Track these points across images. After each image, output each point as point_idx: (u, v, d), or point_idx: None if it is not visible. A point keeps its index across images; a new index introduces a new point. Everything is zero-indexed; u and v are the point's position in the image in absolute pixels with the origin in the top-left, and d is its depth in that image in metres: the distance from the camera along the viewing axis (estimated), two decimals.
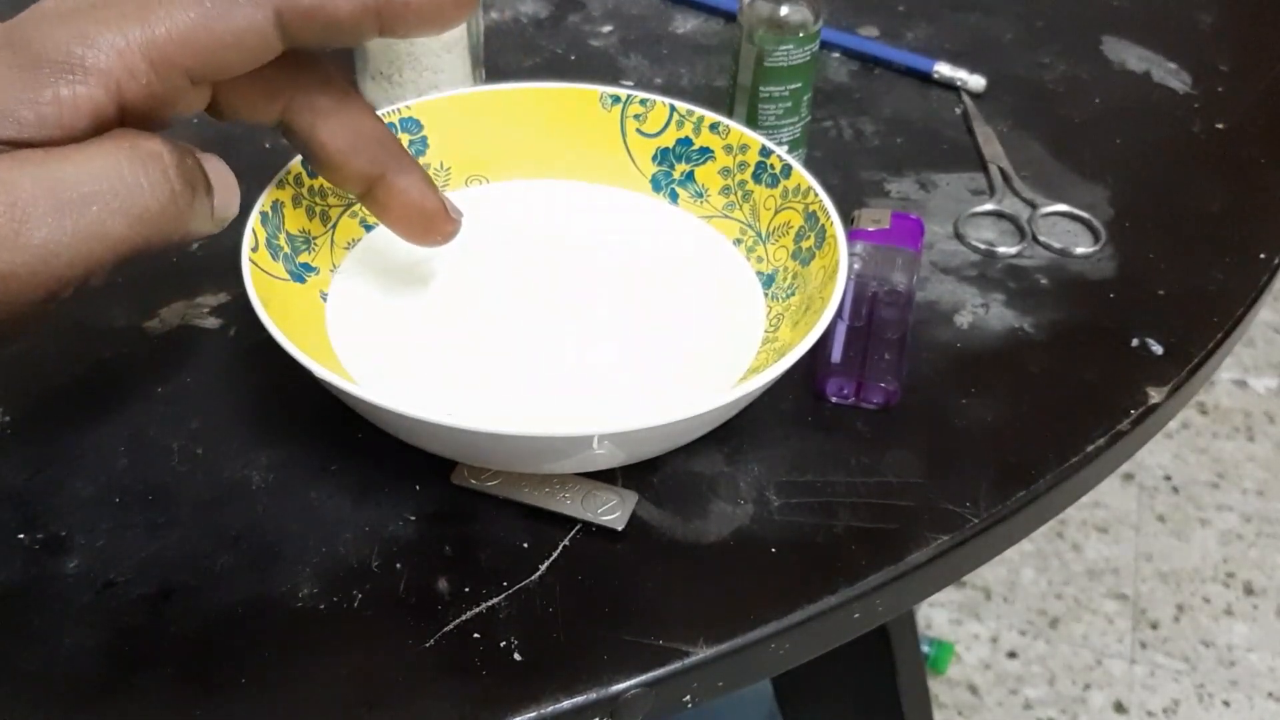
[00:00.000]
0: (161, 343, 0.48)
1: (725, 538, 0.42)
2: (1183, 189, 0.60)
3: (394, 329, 0.46)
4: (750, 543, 0.42)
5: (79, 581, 0.40)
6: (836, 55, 0.68)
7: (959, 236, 0.56)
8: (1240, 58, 0.69)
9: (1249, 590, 1.41)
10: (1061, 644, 1.35)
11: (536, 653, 0.38)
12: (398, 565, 0.41)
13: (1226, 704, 1.30)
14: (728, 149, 0.51)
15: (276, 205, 0.45)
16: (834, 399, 0.47)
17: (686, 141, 0.52)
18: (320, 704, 0.37)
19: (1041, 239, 0.56)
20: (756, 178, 0.51)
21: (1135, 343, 0.51)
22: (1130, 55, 0.69)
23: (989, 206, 0.58)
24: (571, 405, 0.45)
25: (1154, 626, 1.37)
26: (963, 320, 0.52)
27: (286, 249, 0.45)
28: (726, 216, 0.52)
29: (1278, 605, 1.39)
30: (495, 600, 0.40)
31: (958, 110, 0.64)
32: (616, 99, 0.52)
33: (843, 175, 0.59)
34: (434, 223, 0.43)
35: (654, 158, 0.53)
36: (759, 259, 0.51)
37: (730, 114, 0.55)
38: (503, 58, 0.66)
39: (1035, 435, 0.46)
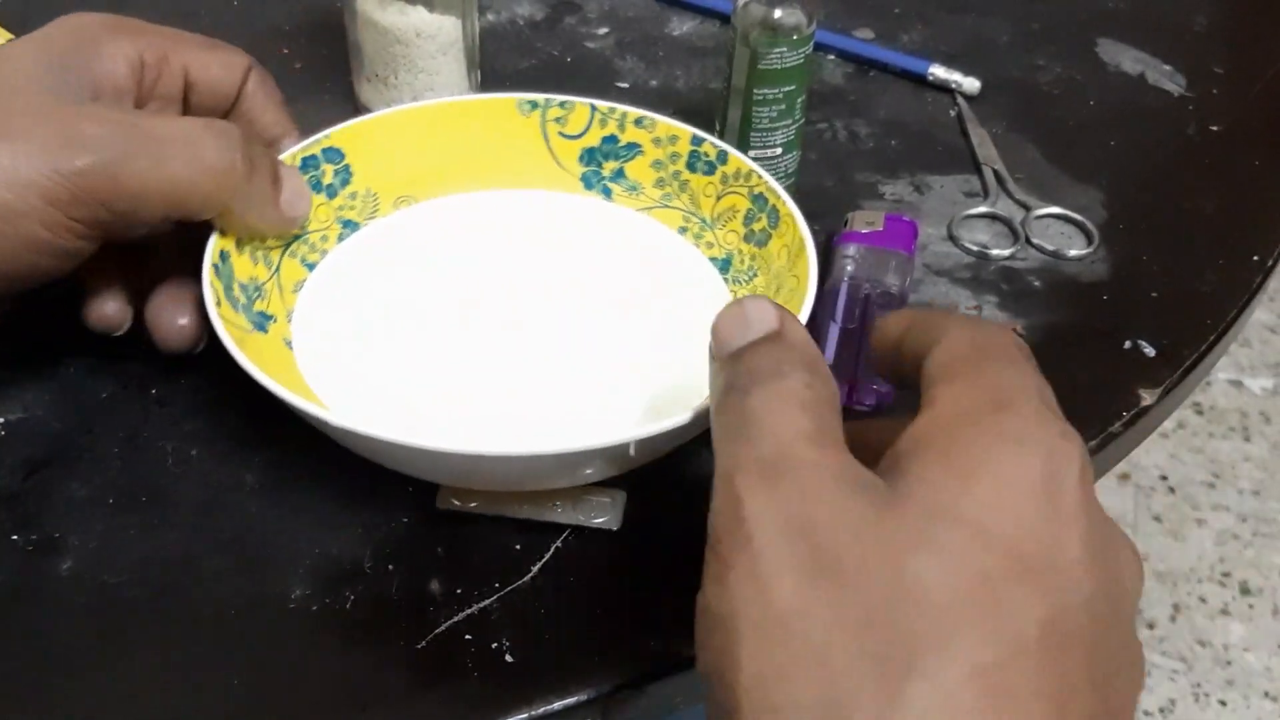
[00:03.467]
0: (156, 346, 0.48)
1: None
2: (1177, 191, 0.60)
3: (366, 366, 0.45)
4: None
5: (73, 583, 0.40)
6: (831, 57, 0.68)
7: (953, 238, 0.56)
8: (1235, 60, 0.69)
9: (1245, 590, 1.41)
10: None
11: (528, 654, 0.38)
12: (390, 566, 0.41)
13: (1223, 703, 1.30)
14: (656, 141, 0.52)
15: (224, 255, 0.44)
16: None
17: (612, 139, 0.52)
18: (312, 705, 0.37)
19: (1035, 241, 0.56)
20: (692, 167, 0.51)
21: (1128, 344, 0.51)
22: (1125, 57, 0.69)
23: (983, 209, 0.58)
24: (554, 419, 0.44)
25: (1150, 626, 1.37)
26: None
27: (242, 299, 0.44)
28: (666, 206, 0.52)
29: (1274, 605, 1.39)
30: (487, 601, 0.40)
31: (952, 112, 0.65)
32: (534, 104, 0.52)
33: (837, 177, 0.59)
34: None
35: (580, 158, 0.53)
36: (709, 244, 0.51)
37: (725, 116, 0.55)
38: (498, 60, 0.66)
39: None
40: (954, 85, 0.66)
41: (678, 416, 0.38)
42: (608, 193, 0.53)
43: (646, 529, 0.42)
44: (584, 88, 0.64)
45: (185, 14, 0.68)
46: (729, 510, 0.29)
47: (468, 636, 0.39)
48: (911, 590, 0.26)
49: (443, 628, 0.39)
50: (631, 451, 0.39)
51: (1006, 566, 0.27)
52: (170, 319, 0.44)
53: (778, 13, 0.53)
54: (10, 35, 0.62)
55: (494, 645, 0.39)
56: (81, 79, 0.43)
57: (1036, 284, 0.54)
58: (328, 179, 0.49)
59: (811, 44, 0.54)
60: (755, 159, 0.55)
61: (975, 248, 0.56)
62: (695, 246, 0.51)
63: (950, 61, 0.66)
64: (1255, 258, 0.56)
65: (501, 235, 0.51)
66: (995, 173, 0.60)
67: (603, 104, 0.52)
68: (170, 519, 0.42)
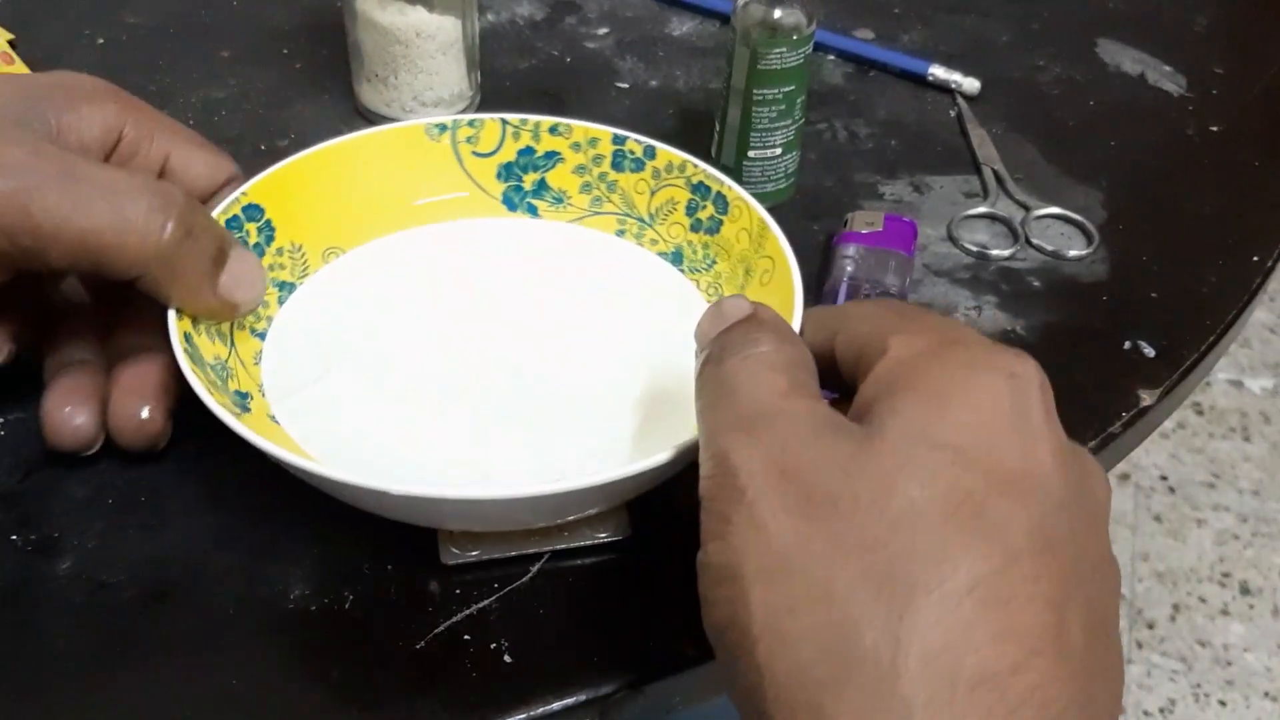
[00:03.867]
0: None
1: None
2: (1176, 191, 0.60)
3: (355, 427, 0.43)
4: None
5: (72, 583, 0.40)
6: (831, 57, 0.68)
7: (952, 239, 0.56)
8: (1235, 60, 0.69)
9: (1245, 590, 1.41)
10: None
11: (527, 655, 0.38)
12: (389, 567, 0.41)
13: (1223, 703, 1.30)
14: (576, 146, 0.51)
15: (189, 337, 0.41)
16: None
17: (528, 150, 0.51)
18: (310, 705, 0.37)
19: (1034, 241, 0.56)
20: (618, 166, 0.51)
21: (1127, 345, 0.51)
22: (1125, 58, 0.69)
23: (982, 209, 0.58)
24: (552, 452, 0.43)
25: (1150, 626, 1.37)
26: None
27: (217, 381, 0.42)
28: (597, 213, 0.52)
29: (1273, 605, 1.39)
30: (486, 602, 0.40)
31: (952, 113, 0.65)
32: (443, 127, 0.51)
33: (837, 178, 0.59)
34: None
35: (498, 175, 0.52)
36: (652, 241, 0.51)
37: (724, 116, 0.55)
38: (498, 60, 0.66)
39: None
40: (954, 85, 0.66)
41: (685, 438, 0.37)
42: (533, 210, 0.52)
43: (645, 530, 0.42)
44: (584, 88, 0.65)
45: (185, 14, 0.68)
46: (718, 469, 0.31)
47: (466, 637, 0.39)
48: (903, 514, 0.28)
49: (442, 628, 0.39)
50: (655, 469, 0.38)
51: (987, 482, 0.29)
52: (132, 412, 0.42)
53: (777, 13, 0.53)
54: (10, 35, 0.62)
55: (493, 646, 0.39)
56: (42, 122, 0.41)
57: (1036, 284, 0.54)
58: (253, 239, 0.46)
59: (811, 44, 0.54)
60: (755, 159, 0.55)
61: (975, 248, 0.56)
62: (639, 245, 0.51)
63: (950, 62, 0.66)
64: (1255, 258, 0.56)
65: (440, 273, 0.50)
66: (995, 173, 0.60)
67: (514, 117, 0.51)
68: (169, 519, 0.42)
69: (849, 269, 0.52)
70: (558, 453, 0.43)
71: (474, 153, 0.51)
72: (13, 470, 0.43)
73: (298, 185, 0.48)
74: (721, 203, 0.48)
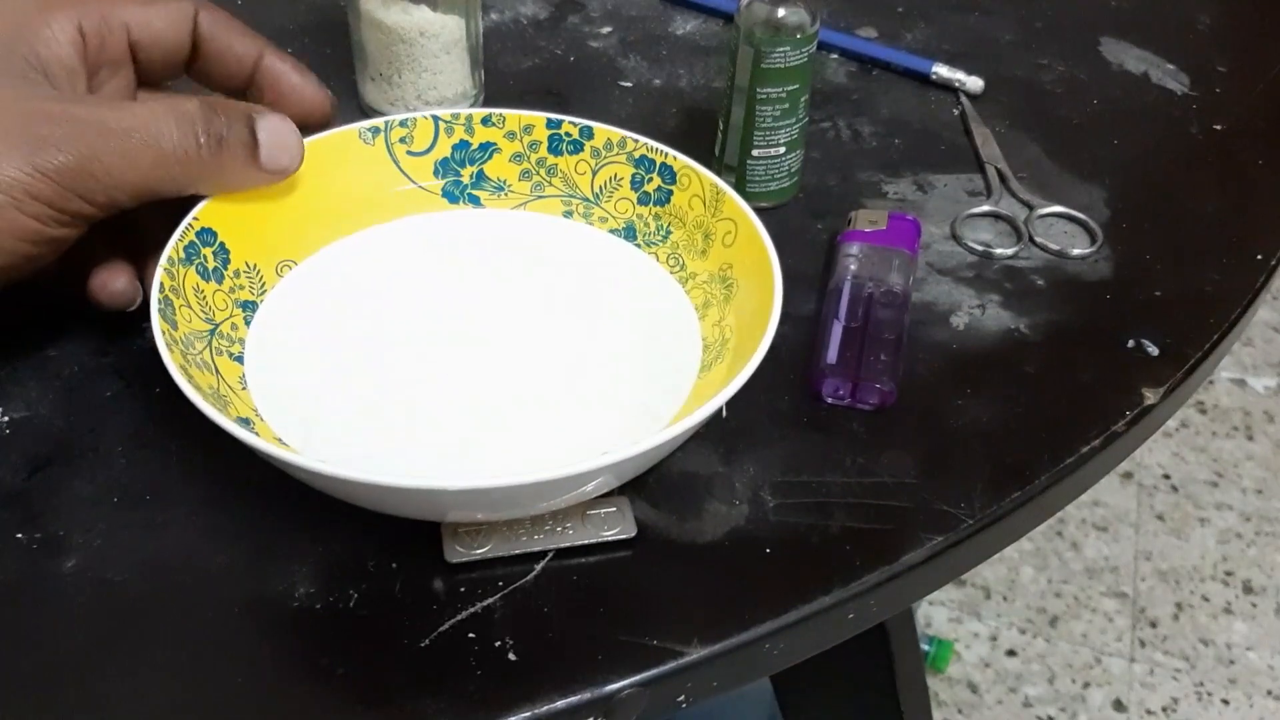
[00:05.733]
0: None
1: (720, 538, 0.42)
2: (1180, 190, 0.60)
3: (363, 434, 0.44)
4: (745, 543, 0.42)
5: (77, 580, 0.40)
6: (835, 56, 0.68)
7: (956, 238, 0.56)
8: (1238, 59, 0.69)
9: (1248, 589, 1.41)
10: (1061, 642, 1.35)
11: (531, 652, 0.38)
12: (393, 565, 0.41)
13: (1225, 702, 1.30)
14: (510, 135, 0.52)
15: (184, 369, 0.41)
16: (829, 400, 0.47)
17: (463, 144, 0.52)
18: (315, 703, 0.37)
19: (1038, 240, 0.56)
20: (555, 150, 0.51)
21: (1131, 344, 0.51)
22: (1128, 56, 0.69)
23: (986, 208, 0.58)
24: (545, 437, 0.44)
25: (1153, 625, 1.37)
26: (959, 321, 0.52)
27: (220, 408, 0.41)
28: (540, 197, 0.52)
29: (1277, 604, 1.39)
30: (490, 600, 0.40)
31: (956, 111, 0.65)
32: (376, 130, 0.51)
33: (840, 176, 0.59)
34: (308, 95, 0.50)
35: (435, 172, 0.52)
36: (601, 219, 0.51)
37: (728, 115, 0.55)
38: (502, 59, 0.66)
39: (1030, 436, 0.47)
40: (957, 84, 0.66)
41: (688, 419, 0.38)
42: (475, 200, 0.52)
43: (648, 528, 0.42)
44: (587, 87, 0.65)
45: None
46: None
47: (471, 635, 0.39)
48: None
49: (446, 626, 0.39)
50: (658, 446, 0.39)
51: None
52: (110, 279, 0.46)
53: (781, 12, 0.53)
54: None
55: (497, 644, 0.39)
56: (28, 64, 0.44)
57: (1040, 283, 0.54)
58: (211, 263, 0.46)
59: (815, 43, 0.54)
60: (759, 158, 0.55)
61: (978, 247, 0.56)
62: (588, 224, 0.51)
63: (953, 60, 0.66)
64: (1259, 257, 0.56)
65: (396, 272, 0.50)
66: (998, 171, 0.60)
67: (445, 112, 0.51)
68: (174, 517, 0.42)
69: (852, 267, 0.52)
70: (551, 436, 0.44)
71: (409, 152, 0.51)
72: (18, 469, 0.43)
73: (244, 202, 0.47)
74: (668, 173, 0.49)
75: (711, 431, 0.46)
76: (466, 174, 0.52)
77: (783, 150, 0.56)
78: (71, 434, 0.45)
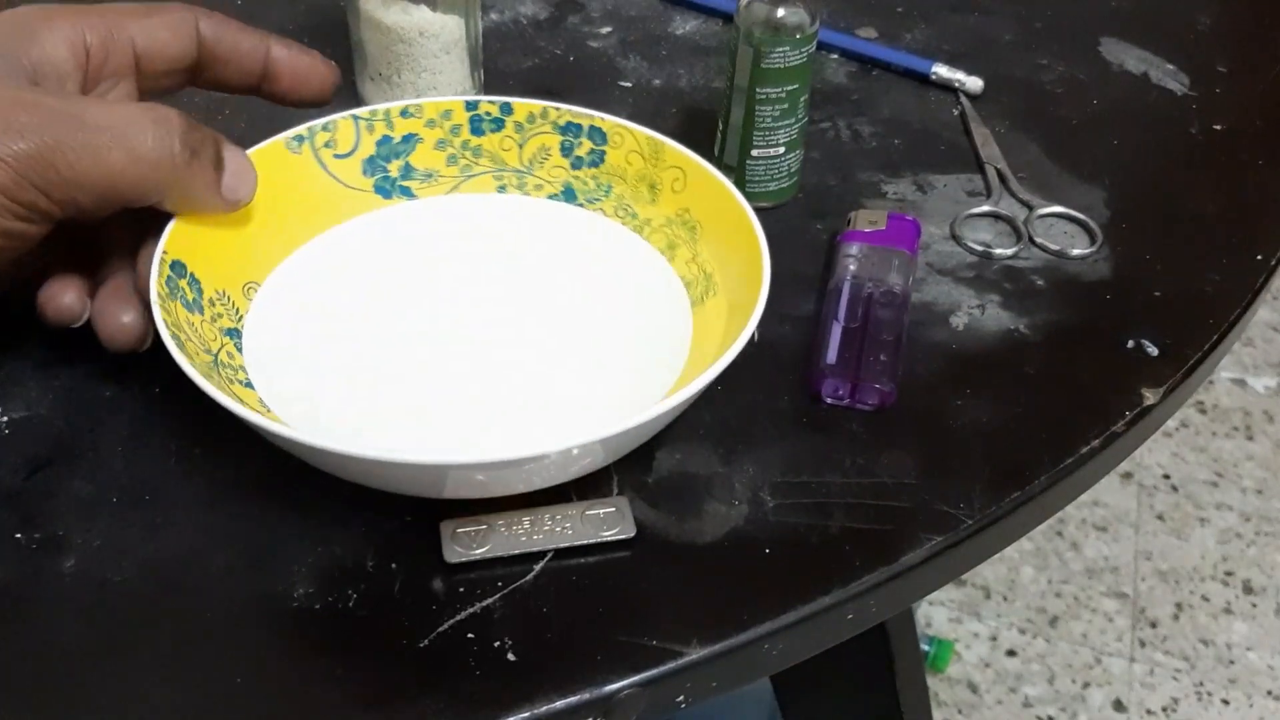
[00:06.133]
0: (160, 344, 0.48)
1: (720, 538, 0.42)
2: (1180, 190, 0.60)
3: (377, 420, 0.45)
4: (745, 543, 0.42)
5: (77, 581, 0.40)
6: (835, 56, 0.68)
7: (955, 238, 0.56)
8: (1239, 59, 0.69)
9: (1248, 589, 1.41)
10: (1061, 642, 1.35)
11: (530, 653, 0.38)
12: (393, 565, 0.41)
13: (1225, 702, 1.30)
14: (431, 124, 0.52)
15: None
16: (829, 400, 0.47)
17: (386, 140, 0.52)
18: (315, 703, 0.37)
19: (1038, 240, 0.56)
20: (478, 130, 0.52)
21: (1131, 344, 0.51)
22: (1128, 56, 0.69)
23: (986, 208, 0.58)
24: (533, 414, 0.45)
25: (1153, 625, 1.37)
26: (958, 321, 0.52)
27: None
28: (470, 177, 0.53)
29: (1277, 604, 1.39)
30: (490, 600, 0.40)
31: (955, 111, 0.65)
32: (301, 138, 0.50)
33: (840, 176, 0.59)
34: (320, 71, 0.51)
35: (363, 172, 0.52)
36: (537, 187, 0.52)
37: (727, 115, 0.55)
38: (502, 59, 0.66)
39: (1030, 436, 0.47)
40: (957, 84, 0.65)
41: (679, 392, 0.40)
42: (407, 192, 0.52)
43: (648, 529, 0.42)
44: (586, 87, 0.65)
45: None
46: None
47: (470, 635, 0.39)
48: None
49: (445, 626, 0.39)
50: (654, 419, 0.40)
51: None
52: (115, 315, 0.44)
53: (780, 12, 0.53)
54: None
55: (496, 644, 0.39)
56: (18, 66, 0.43)
57: (1039, 283, 0.54)
58: (190, 295, 0.45)
59: (814, 43, 0.54)
60: (758, 158, 0.55)
61: (978, 247, 0.56)
62: (525, 195, 0.52)
63: (953, 61, 0.66)
64: (1259, 257, 0.56)
65: (360, 275, 0.50)
66: (998, 172, 0.60)
67: (363, 110, 0.51)
68: (173, 517, 0.42)
69: (852, 268, 0.52)
70: (535, 416, 0.45)
71: (335, 155, 0.51)
72: (17, 469, 0.43)
73: (202, 228, 0.46)
74: (598, 135, 0.50)
75: (711, 432, 0.46)
76: (394, 168, 0.52)
77: (782, 150, 0.56)
78: (71, 434, 0.45)
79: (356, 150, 0.52)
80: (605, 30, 0.69)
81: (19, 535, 0.41)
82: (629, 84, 0.65)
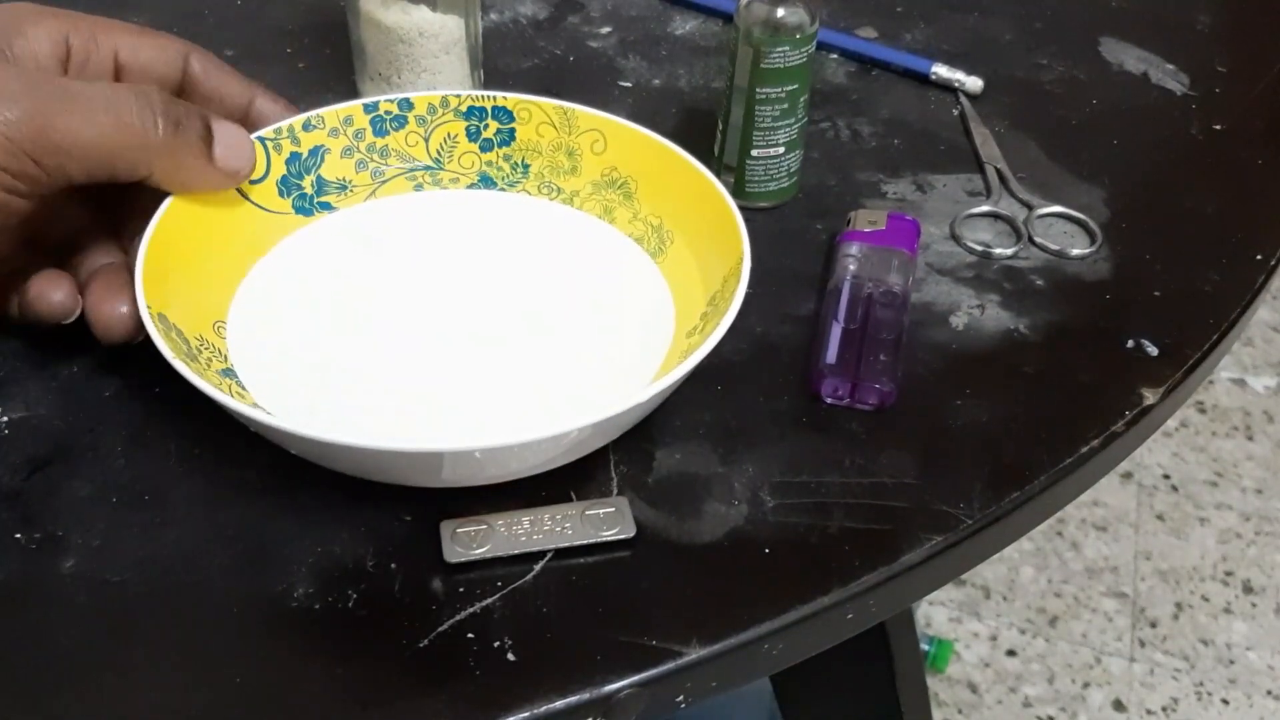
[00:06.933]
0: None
1: (719, 538, 0.42)
2: (1180, 190, 0.60)
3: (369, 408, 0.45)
4: (744, 543, 0.42)
5: (76, 581, 0.40)
6: (834, 56, 0.68)
7: (955, 238, 0.56)
8: (1238, 59, 0.69)
9: (1248, 589, 1.41)
10: (1061, 642, 1.35)
11: (530, 653, 0.38)
12: (392, 565, 0.41)
13: (1225, 702, 1.30)
14: (334, 132, 0.52)
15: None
16: (829, 400, 0.47)
17: (295, 157, 0.51)
18: (315, 703, 0.37)
19: (1038, 240, 0.56)
20: (380, 131, 0.52)
21: (1130, 344, 0.51)
22: (1128, 56, 0.69)
23: (985, 208, 0.58)
24: (529, 400, 0.45)
25: (1153, 625, 1.37)
26: (958, 321, 0.52)
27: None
28: (383, 182, 0.53)
29: (1276, 604, 1.39)
30: (489, 600, 0.40)
31: (955, 111, 0.65)
32: None
33: (840, 176, 0.59)
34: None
35: (280, 194, 0.51)
36: (453, 179, 0.52)
37: (727, 115, 0.55)
38: (501, 59, 0.66)
39: (1030, 436, 0.47)
40: (957, 84, 0.66)
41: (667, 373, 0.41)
42: (326, 206, 0.52)
43: (647, 528, 0.42)
44: (586, 87, 0.65)
45: (189, 14, 0.68)
46: None
47: (470, 635, 0.39)
48: None
49: (445, 626, 0.39)
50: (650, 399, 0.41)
51: None
52: (111, 306, 0.45)
53: (780, 12, 0.53)
54: None
55: (496, 644, 0.39)
56: (1, 53, 0.44)
57: (1039, 283, 0.54)
58: (181, 345, 0.44)
59: (814, 43, 0.54)
60: (758, 158, 0.55)
61: (978, 247, 0.56)
62: (443, 189, 0.52)
63: (953, 60, 0.66)
64: (1258, 256, 0.56)
65: (333, 286, 0.50)
66: (998, 172, 0.60)
67: (268, 130, 0.50)
68: (173, 517, 0.42)
69: (851, 268, 0.52)
70: (523, 403, 0.45)
71: (251, 181, 0.50)
72: (16, 469, 0.43)
73: (168, 276, 0.45)
74: (503, 114, 0.51)
75: (711, 432, 0.46)
76: (307, 184, 0.52)
77: (782, 150, 0.56)
78: (71, 434, 0.45)
79: (269, 173, 0.51)
80: (605, 30, 0.69)
81: (19, 535, 0.41)
82: (629, 84, 0.65)
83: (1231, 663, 1.34)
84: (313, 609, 0.40)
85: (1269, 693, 1.31)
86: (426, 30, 0.58)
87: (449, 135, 0.52)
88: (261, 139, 0.50)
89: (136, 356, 0.47)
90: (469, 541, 0.41)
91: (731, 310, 0.43)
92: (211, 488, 0.43)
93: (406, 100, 0.51)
